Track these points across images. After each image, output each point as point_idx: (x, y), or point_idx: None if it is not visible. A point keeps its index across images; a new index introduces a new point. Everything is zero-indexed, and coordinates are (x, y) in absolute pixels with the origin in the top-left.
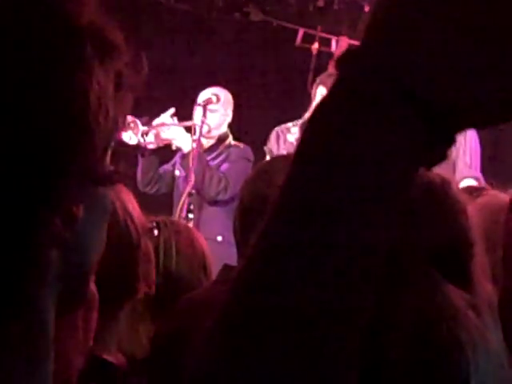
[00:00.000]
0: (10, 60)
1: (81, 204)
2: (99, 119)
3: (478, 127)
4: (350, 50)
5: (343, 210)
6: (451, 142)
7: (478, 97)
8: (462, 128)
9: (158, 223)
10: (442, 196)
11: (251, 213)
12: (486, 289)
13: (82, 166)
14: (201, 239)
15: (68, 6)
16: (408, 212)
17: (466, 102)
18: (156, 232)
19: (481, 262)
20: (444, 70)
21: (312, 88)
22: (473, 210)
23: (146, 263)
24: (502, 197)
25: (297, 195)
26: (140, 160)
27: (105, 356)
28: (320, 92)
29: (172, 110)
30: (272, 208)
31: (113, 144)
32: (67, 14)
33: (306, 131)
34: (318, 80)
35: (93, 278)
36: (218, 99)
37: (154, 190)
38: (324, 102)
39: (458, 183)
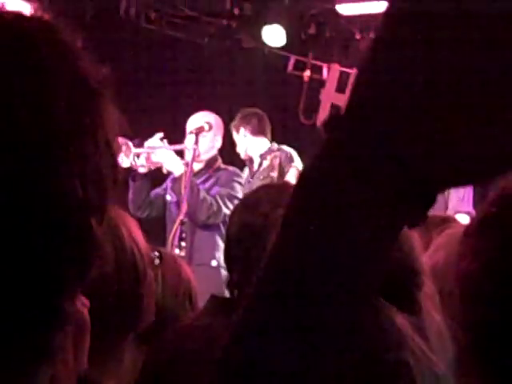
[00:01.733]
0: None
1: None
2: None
3: (461, 186)
4: (336, 116)
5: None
6: (433, 202)
7: (456, 163)
8: (443, 189)
9: (160, 253)
10: None
11: (238, 243)
12: (435, 318)
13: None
14: (186, 268)
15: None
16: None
17: (444, 167)
18: (157, 261)
19: (429, 292)
20: (422, 138)
21: (303, 115)
22: (439, 242)
23: (149, 293)
24: None
25: (278, 262)
26: (131, 184)
27: None
28: None
29: (160, 134)
30: (260, 270)
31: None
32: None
33: (293, 195)
34: None
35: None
36: (211, 127)
37: (146, 214)
38: (312, 164)
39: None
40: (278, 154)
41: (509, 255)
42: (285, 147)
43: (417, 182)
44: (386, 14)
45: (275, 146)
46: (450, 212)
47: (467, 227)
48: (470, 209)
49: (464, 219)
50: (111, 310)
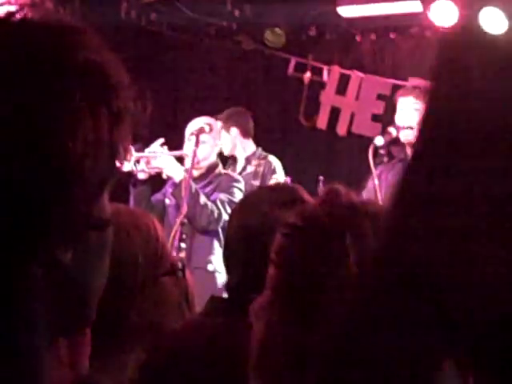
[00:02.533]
0: None
1: (67, 249)
2: (85, 165)
3: None
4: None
5: None
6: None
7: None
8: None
9: (183, 265)
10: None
11: (236, 242)
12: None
13: (63, 216)
14: (186, 271)
15: (63, 44)
16: (332, 235)
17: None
18: (180, 274)
19: None
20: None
21: (303, 117)
22: None
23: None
24: None
25: None
26: (132, 190)
27: None
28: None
29: (161, 140)
30: None
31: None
32: (60, 52)
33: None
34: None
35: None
36: (211, 129)
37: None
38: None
39: None
40: (263, 162)
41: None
42: (271, 157)
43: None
44: None
45: (261, 151)
46: None
47: None
48: None
49: None
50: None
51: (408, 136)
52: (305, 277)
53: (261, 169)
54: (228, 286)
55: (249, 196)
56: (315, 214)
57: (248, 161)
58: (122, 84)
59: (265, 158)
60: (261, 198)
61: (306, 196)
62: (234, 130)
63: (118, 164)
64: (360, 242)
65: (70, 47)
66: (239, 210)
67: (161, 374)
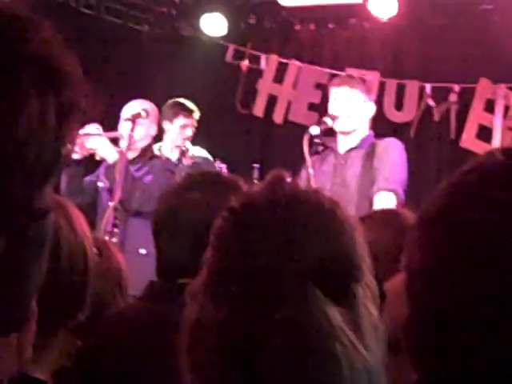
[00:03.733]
0: None
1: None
2: (28, 153)
3: None
4: None
5: None
6: None
7: None
8: None
9: (99, 248)
10: (329, 217)
11: (162, 225)
12: (372, 313)
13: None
14: (118, 255)
15: (12, 34)
16: (294, 231)
17: None
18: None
19: (369, 285)
20: None
21: (240, 104)
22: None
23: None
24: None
25: None
26: (64, 170)
27: (37, 375)
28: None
29: (96, 125)
30: None
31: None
32: (11, 39)
33: None
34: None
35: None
36: (148, 114)
37: (78, 200)
38: None
39: (374, 195)
40: (204, 158)
41: (458, 249)
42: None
43: None
44: None
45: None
46: (373, 189)
47: (420, 219)
48: (396, 187)
49: (388, 197)
50: (57, 299)
51: (341, 126)
52: (240, 261)
53: (198, 161)
54: (158, 270)
55: (178, 182)
56: (256, 199)
57: (182, 154)
58: (72, 75)
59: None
60: (188, 185)
61: (229, 177)
62: (181, 120)
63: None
64: (300, 232)
65: (21, 35)
66: (166, 194)
67: (96, 361)
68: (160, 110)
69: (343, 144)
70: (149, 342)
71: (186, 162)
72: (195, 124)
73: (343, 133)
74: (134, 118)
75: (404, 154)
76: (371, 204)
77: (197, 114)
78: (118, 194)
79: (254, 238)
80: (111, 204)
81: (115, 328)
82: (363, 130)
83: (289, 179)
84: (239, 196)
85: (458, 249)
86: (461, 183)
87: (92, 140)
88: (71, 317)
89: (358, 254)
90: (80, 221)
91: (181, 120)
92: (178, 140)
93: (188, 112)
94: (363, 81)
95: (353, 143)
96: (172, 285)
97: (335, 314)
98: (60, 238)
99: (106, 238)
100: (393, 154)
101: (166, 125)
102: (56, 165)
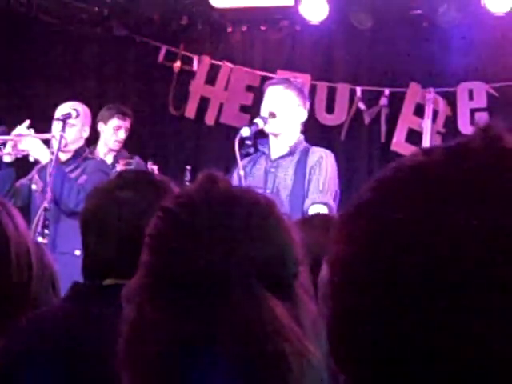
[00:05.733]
0: None
1: None
2: None
3: None
4: None
5: None
6: None
7: None
8: None
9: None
10: (266, 215)
11: (89, 223)
12: (309, 307)
13: None
14: (49, 256)
15: None
16: (233, 229)
17: None
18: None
19: (304, 281)
20: None
21: (172, 106)
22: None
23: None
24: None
25: None
26: None
27: None
28: None
29: (27, 122)
30: None
31: None
32: None
33: None
34: None
35: None
36: (78, 114)
37: (10, 203)
38: None
39: (307, 207)
40: (133, 161)
41: (383, 241)
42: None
43: None
44: None
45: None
46: (308, 203)
47: (343, 213)
48: (329, 200)
49: (321, 210)
50: (3, 299)
51: (273, 127)
52: (179, 262)
53: (132, 167)
54: (84, 270)
55: (106, 182)
56: (191, 199)
57: (116, 159)
58: None
59: (131, 157)
60: (114, 185)
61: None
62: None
63: None
64: (239, 230)
65: None
66: (93, 193)
67: (16, 362)
68: (92, 111)
69: (274, 148)
70: (69, 344)
71: (119, 166)
72: (128, 127)
73: (273, 134)
74: (64, 119)
75: (336, 166)
76: (303, 213)
77: (131, 118)
78: (49, 195)
79: (193, 237)
80: (45, 202)
81: (33, 328)
82: (294, 133)
83: (221, 178)
84: (171, 196)
85: (372, 243)
86: (383, 180)
87: (24, 141)
88: (15, 317)
89: (295, 251)
90: (20, 219)
91: (115, 121)
92: (110, 141)
93: (122, 114)
94: (301, 88)
95: (284, 149)
96: (96, 286)
97: (282, 311)
98: (8, 237)
99: (38, 238)
100: (326, 166)
101: (100, 127)
102: None
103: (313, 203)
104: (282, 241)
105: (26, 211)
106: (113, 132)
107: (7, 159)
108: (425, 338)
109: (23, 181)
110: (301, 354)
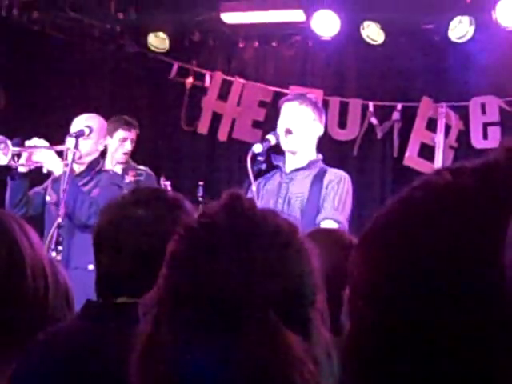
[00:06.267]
0: None
1: None
2: None
3: None
4: None
5: None
6: None
7: None
8: None
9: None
10: (287, 244)
11: (103, 240)
12: (325, 337)
13: None
14: (63, 272)
15: None
16: (252, 259)
17: None
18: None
19: (321, 310)
20: None
21: (185, 122)
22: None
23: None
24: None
25: None
26: (9, 183)
27: None
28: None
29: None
30: None
31: None
32: None
33: None
34: None
35: None
36: (91, 131)
37: (22, 212)
38: None
39: (319, 221)
40: (143, 172)
41: (408, 265)
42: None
43: None
44: None
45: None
46: (320, 218)
47: (363, 235)
48: (342, 218)
49: (333, 226)
50: (21, 316)
51: (290, 145)
52: (197, 282)
53: (141, 178)
54: (98, 288)
55: (121, 196)
56: (214, 219)
57: (126, 171)
58: None
59: (140, 169)
60: (129, 200)
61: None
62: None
63: None
64: (260, 258)
65: None
66: (107, 208)
67: (29, 379)
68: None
69: (290, 163)
70: (83, 362)
71: (129, 178)
72: (134, 138)
73: (291, 152)
74: (76, 135)
75: (351, 191)
76: (314, 226)
77: (136, 129)
78: (62, 211)
79: (212, 258)
80: (58, 219)
81: (50, 348)
82: (310, 150)
83: (245, 199)
84: (198, 214)
85: (395, 265)
86: (406, 200)
87: (39, 153)
88: (31, 333)
89: (315, 278)
90: (35, 236)
91: (120, 133)
92: (117, 154)
93: (127, 125)
94: (316, 102)
95: (300, 163)
96: (109, 304)
97: (296, 345)
98: (24, 255)
99: (51, 255)
100: (344, 187)
101: (107, 140)
102: None
103: (325, 218)
104: (301, 271)
105: (39, 221)
106: (119, 144)
107: (22, 170)
108: (452, 359)
109: (37, 189)
110: None
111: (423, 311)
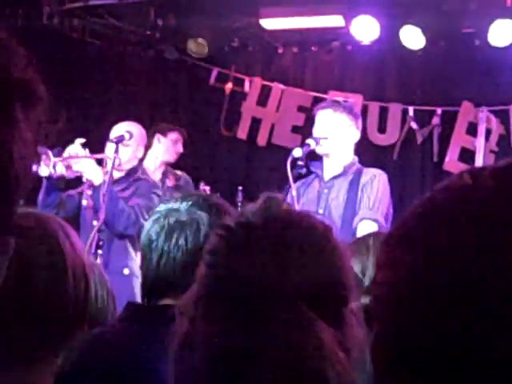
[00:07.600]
0: None
1: None
2: (19, 175)
3: None
4: None
5: None
6: None
7: None
8: None
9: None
10: (322, 242)
11: (152, 244)
12: (358, 334)
13: None
14: (105, 275)
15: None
16: (287, 252)
17: None
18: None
19: (354, 308)
20: None
21: (224, 127)
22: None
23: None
24: None
25: None
26: (44, 182)
27: None
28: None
29: (81, 140)
30: None
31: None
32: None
33: None
34: None
35: None
36: (131, 136)
37: (53, 212)
38: None
39: (356, 224)
40: (182, 176)
41: (430, 268)
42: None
43: None
44: None
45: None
46: (356, 220)
47: (387, 237)
48: (379, 217)
49: (370, 226)
50: (62, 316)
51: (324, 148)
52: (232, 280)
53: (181, 183)
54: (143, 289)
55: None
56: (250, 219)
57: (165, 175)
58: (43, 99)
59: (177, 174)
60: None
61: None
62: (170, 140)
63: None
64: (294, 254)
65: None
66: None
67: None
68: (146, 133)
69: (328, 169)
70: (126, 364)
71: (170, 182)
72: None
73: (326, 155)
74: (117, 141)
75: (388, 187)
76: (354, 235)
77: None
78: (102, 216)
79: (248, 257)
80: (96, 223)
81: (91, 350)
82: (347, 154)
83: (281, 201)
84: (234, 215)
85: (418, 269)
86: (428, 203)
87: (79, 162)
88: (72, 336)
89: (348, 278)
90: (77, 239)
91: (174, 134)
92: (168, 154)
93: (181, 130)
94: (351, 107)
95: (337, 170)
96: (152, 307)
97: (328, 337)
98: (65, 256)
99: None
100: (378, 185)
101: (156, 139)
102: (29, 180)
103: (362, 219)
104: (336, 268)
105: (70, 224)
106: (172, 144)
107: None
108: (476, 361)
109: (71, 193)
110: (343, 379)
111: (447, 313)
